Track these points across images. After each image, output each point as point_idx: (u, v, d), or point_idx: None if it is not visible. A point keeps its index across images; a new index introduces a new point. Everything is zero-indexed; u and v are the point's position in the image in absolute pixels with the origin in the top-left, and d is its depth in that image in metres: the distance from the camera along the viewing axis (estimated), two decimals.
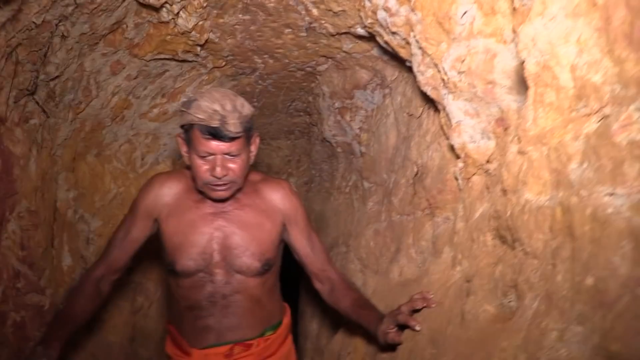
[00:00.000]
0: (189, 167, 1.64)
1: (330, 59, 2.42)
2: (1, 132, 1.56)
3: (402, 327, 1.43)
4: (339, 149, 2.78)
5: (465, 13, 1.33)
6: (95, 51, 1.91)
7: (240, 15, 2.06)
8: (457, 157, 1.50)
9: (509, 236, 1.04)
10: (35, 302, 1.68)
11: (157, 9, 1.87)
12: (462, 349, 1.03)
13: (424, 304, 1.39)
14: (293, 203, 1.78)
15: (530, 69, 0.95)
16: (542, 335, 0.78)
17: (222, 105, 1.50)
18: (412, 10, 1.49)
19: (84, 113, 2.07)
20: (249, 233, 1.69)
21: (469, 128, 1.43)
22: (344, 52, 2.26)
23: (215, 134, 1.49)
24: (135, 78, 2.22)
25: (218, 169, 1.53)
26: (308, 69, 2.57)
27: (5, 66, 1.45)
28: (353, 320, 1.69)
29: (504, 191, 1.04)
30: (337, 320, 2.17)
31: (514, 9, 1.19)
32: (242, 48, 2.33)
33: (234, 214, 1.70)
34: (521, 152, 0.99)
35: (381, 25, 1.73)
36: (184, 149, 1.63)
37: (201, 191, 1.65)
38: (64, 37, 1.66)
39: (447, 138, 1.54)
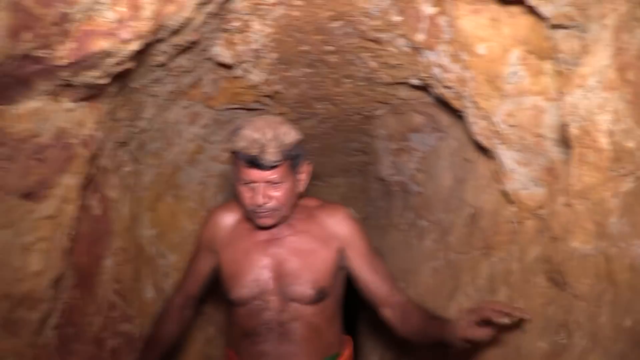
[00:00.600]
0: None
1: (386, 105, 2.60)
2: (102, 180, 1.82)
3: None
4: (395, 188, 2.93)
5: (513, 73, 1.48)
6: (177, 105, 2.17)
7: (304, 69, 2.28)
8: (511, 202, 1.62)
9: (559, 279, 1.16)
10: (127, 330, 1.90)
11: (231, 67, 2.11)
12: None
13: (507, 310, 1.27)
14: (351, 228, 1.74)
15: (573, 132, 1.09)
16: None
17: (263, 134, 1.52)
18: (465, 68, 1.65)
19: (165, 159, 2.33)
20: (302, 260, 1.68)
21: (520, 176, 1.56)
22: (400, 98, 2.43)
23: (254, 162, 1.51)
24: (209, 126, 2.47)
25: (259, 197, 1.55)
26: (365, 113, 2.76)
27: (109, 125, 1.70)
28: (427, 335, 1.64)
29: (553, 238, 1.17)
30: (398, 354, 2.28)
31: (559, 72, 1.34)
32: (305, 96, 2.54)
33: (287, 241, 1.71)
34: (567, 205, 1.12)
35: (435, 79, 1.89)
36: (234, 177, 1.65)
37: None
38: (154, 96, 1.92)
39: (501, 184, 1.67)
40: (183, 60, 1.84)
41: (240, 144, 1.52)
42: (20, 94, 1.05)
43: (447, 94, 1.88)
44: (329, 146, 3.26)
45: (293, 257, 1.68)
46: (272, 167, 1.53)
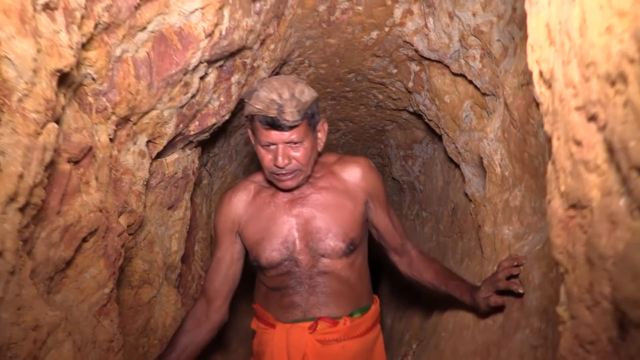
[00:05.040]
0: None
1: (394, 122, 3.47)
2: (192, 191, 2.75)
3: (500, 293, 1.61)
4: (404, 186, 3.81)
5: (466, 116, 2.34)
6: (237, 132, 3.09)
7: (329, 102, 3.17)
8: (470, 200, 2.49)
9: (480, 249, 2.03)
10: None
11: None
12: None
13: (517, 264, 1.53)
14: (373, 180, 1.81)
15: (485, 163, 1.95)
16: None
17: (279, 94, 1.53)
18: (438, 109, 2.51)
19: (227, 171, 3.26)
20: (329, 214, 1.73)
21: (475, 183, 2.42)
22: (403, 119, 3.30)
23: (273, 124, 1.54)
24: None
25: (280, 159, 1.58)
26: (378, 128, 3.63)
27: (199, 156, 2.63)
28: (440, 291, 1.83)
29: (479, 226, 2.04)
30: (407, 316, 3.16)
31: (490, 119, 2.19)
32: (330, 118, 3.43)
33: (311, 198, 1.75)
34: (484, 205, 1.99)
35: (423, 112, 2.76)
36: (252, 140, 1.74)
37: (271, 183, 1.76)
38: (224, 130, 2.84)
39: (465, 187, 2.53)
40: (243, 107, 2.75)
41: (257, 105, 1.57)
42: (170, 151, 1.97)
43: (431, 124, 2.75)
44: (351, 152, 4.15)
45: (319, 214, 1.74)
46: (292, 128, 1.56)
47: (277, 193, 1.78)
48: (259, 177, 1.91)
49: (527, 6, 0.76)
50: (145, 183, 1.70)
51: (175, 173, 2.05)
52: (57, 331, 0.89)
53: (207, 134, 2.13)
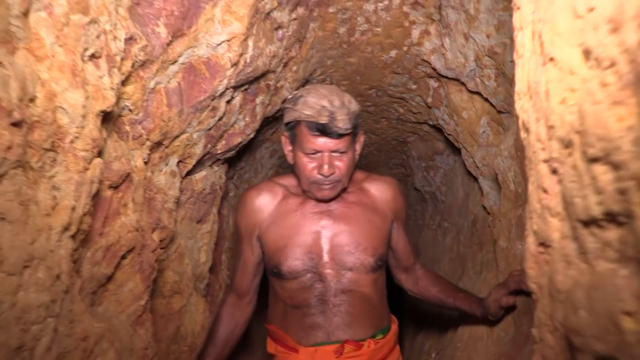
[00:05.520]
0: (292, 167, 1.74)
1: (415, 134, 3.56)
2: (219, 204, 2.89)
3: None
4: (427, 196, 3.89)
5: (483, 132, 2.42)
6: (262, 146, 3.22)
7: None
8: (488, 213, 2.56)
9: (495, 260, 2.10)
10: None
11: None
12: None
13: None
14: (401, 200, 1.86)
15: (499, 179, 2.03)
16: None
17: (330, 101, 1.52)
18: (457, 124, 2.60)
19: (253, 184, 3.39)
20: (358, 229, 1.70)
21: (492, 197, 2.49)
22: (424, 131, 3.38)
23: (324, 131, 1.52)
24: (282, 157, 3.51)
25: (325, 167, 1.56)
26: (400, 139, 3.73)
27: (226, 171, 2.76)
28: (449, 304, 1.88)
29: (494, 239, 2.12)
30: (427, 326, 3.24)
31: (504, 137, 2.27)
32: None
33: (340, 212, 1.73)
34: (499, 220, 2.06)
35: (442, 127, 2.84)
36: (287, 148, 1.72)
37: (304, 192, 1.74)
38: (247, 146, 2.97)
39: (483, 200, 2.61)
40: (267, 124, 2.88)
41: (306, 111, 1.55)
42: (199, 169, 2.10)
43: (450, 137, 2.83)
44: (374, 162, 4.25)
45: (348, 227, 1.72)
46: (341, 136, 1.56)
47: (306, 202, 1.76)
48: (288, 181, 1.87)
49: (515, 56, 0.86)
50: (176, 200, 1.83)
51: (204, 189, 2.18)
52: (102, 341, 1.02)
53: (233, 152, 2.26)
